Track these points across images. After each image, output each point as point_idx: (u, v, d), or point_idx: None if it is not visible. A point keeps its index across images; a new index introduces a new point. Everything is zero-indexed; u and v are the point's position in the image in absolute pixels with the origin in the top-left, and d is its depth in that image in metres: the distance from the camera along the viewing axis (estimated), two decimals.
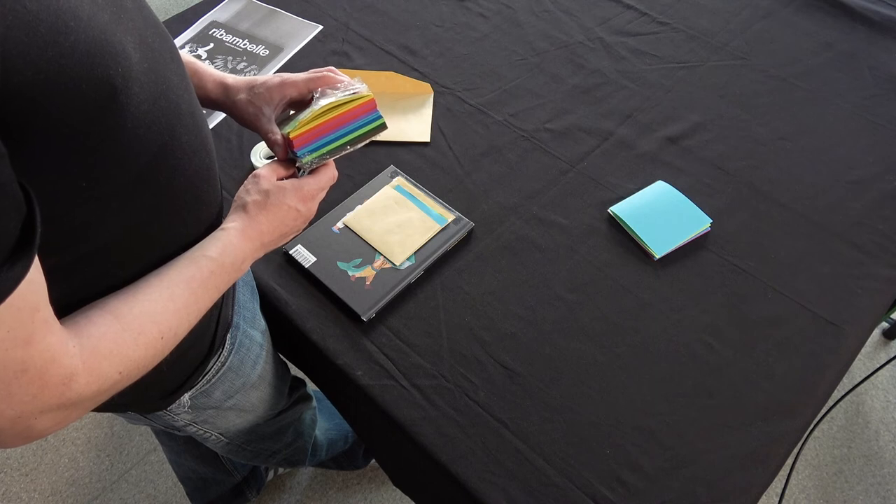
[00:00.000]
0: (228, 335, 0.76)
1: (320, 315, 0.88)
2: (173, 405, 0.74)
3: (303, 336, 0.87)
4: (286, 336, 0.90)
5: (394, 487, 1.09)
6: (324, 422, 1.21)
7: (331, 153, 0.73)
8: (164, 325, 0.56)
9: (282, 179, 0.70)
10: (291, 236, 0.71)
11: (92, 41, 0.44)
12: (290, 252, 0.92)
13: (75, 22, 0.43)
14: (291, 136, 0.70)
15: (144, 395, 0.72)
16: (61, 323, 0.48)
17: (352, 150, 0.75)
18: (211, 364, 0.74)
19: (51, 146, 0.44)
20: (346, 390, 0.87)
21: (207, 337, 0.72)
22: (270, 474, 1.46)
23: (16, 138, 0.40)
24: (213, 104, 0.78)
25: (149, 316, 0.55)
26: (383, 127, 0.76)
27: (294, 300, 0.89)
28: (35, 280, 0.43)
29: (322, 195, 0.72)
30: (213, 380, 0.76)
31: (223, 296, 0.73)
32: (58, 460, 1.56)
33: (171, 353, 0.65)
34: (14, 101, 0.39)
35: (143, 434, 1.58)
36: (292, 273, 0.92)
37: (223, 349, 0.75)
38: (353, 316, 0.87)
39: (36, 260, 0.43)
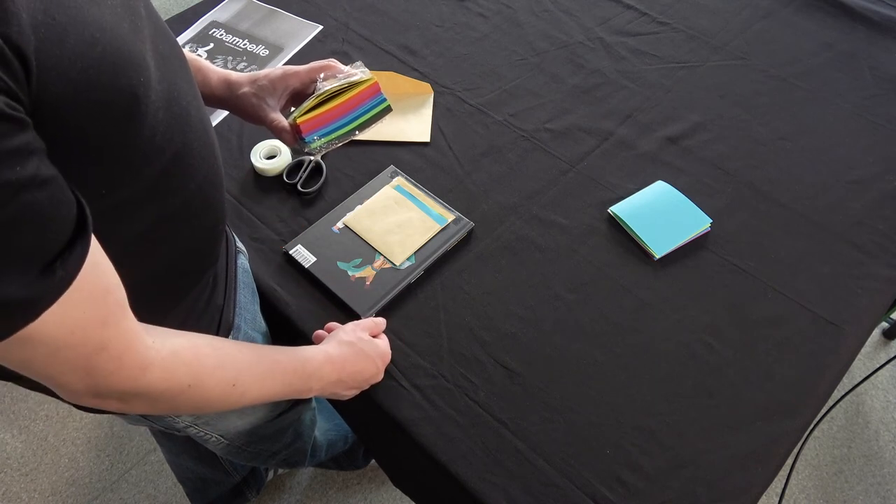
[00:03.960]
0: (230, 337, 0.76)
1: (320, 315, 0.88)
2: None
3: (303, 336, 0.86)
4: (286, 336, 0.90)
5: (394, 487, 1.09)
6: (323, 422, 1.21)
7: (339, 138, 0.73)
8: (240, 376, 0.60)
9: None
10: (354, 390, 0.77)
11: (117, 52, 0.45)
12: (290, 252, 0.92)
13: (101, 33, 0.44)
14: (299, 121, 0.70)
15: None
16: (153, 326, 0.52)
17: (360, 134, 0.75)
18: None
19: (75, 155, 0.45)
20: None
21: None
22: (270, 474, 1.46)
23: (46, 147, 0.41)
24: (217, 101, 0.78)
25: (232, 359, 0.59)
26: (389, 109, 0.77)
27: (294, 300, 0.89)
28: (101, 263, 0.45)
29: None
30: None
31: (224, 297, 0.73)
32: (58, 460, 1.56)
33: None
34: (46, 112, 0.40)
35: (143, 434, 1.58)
36: (292, 273, 0.92)
37: None
38: (353, 316, 0.87)
39: (99, 247, 0.45)
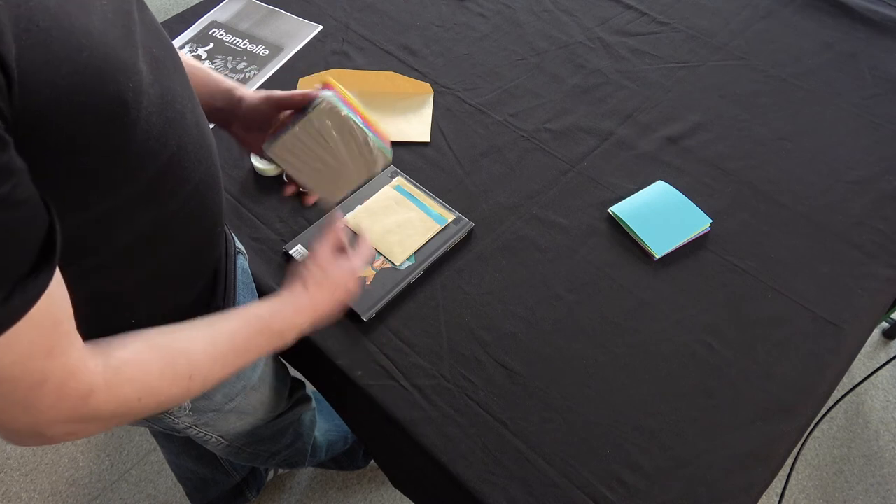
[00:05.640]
0: None
1: None
2: (175, 408, 0.74)
3: (303, 336, 0.86)
4: None
5: (393, 487, 1.09)
6: (323, 423, 1.21)
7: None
8: (196, 366, 0.57)
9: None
10: (330, 318, 0.72)
11: (104, 58, 0.44)
12: (290, 252, 0.92)
13: (87, 39, 0.43)
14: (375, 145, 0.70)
15: None
16: (96, 344, 0.49)
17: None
18: None
19: (62, 161, 0.44)
20: (345, 391, 0.87)
21: None
22: (270, 474, 1.46)
23: (31, 154, 0.40)
24: (217, 112, 0.77)
25: (183, 353, 0.56)
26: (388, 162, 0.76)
27: None
28: (56, 293, 0.43)
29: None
30: None
31: (224, 298, 0.73)
32: (58, 460, 1.56)
33: None
34: (31, 119, 0.40)
35: (143, 434, 1.58)
36: None
37: None
38: (352, 316, 0.87)
39: (58, 274, 0.43)
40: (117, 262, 0.55)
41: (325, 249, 0.73)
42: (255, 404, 0.87)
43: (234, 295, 0.78)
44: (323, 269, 0.71)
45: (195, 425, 0.81)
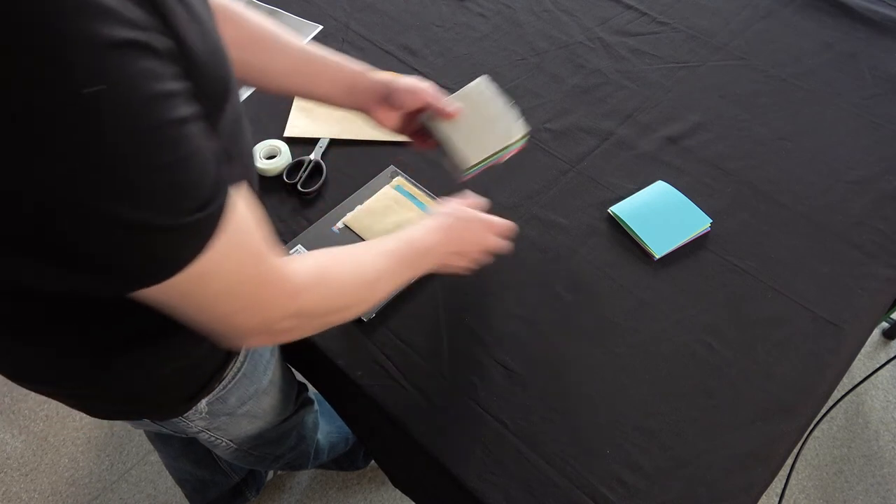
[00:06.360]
0: None
1: None
2: (190, 411, 0.74)
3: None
4: None
5: (393, 487, 1.09)
6: (325, 425, 1.21)
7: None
8: (375, 276, 0.66)
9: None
10: (468, 258, 0.79)
11: (217, 42, 0.48)
12: (290, 252, 0.92)
13: (207, 24, 0.46)
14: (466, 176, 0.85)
15: (166, 400, 0.72)
16: (290, 256, 0.59)
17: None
18: (228, 369, 0.75)
19: None
20: (346, 391, 0.87)
21: None
22: (270, 474, 1.46)
23: None
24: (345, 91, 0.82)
25: (364, 265, 0.65)
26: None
27: None
28: (242, 205, 0.49)
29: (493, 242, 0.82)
30: (230, 386, 0.76)
31: None
32: (58, 460, 1.56)
33: (191, 359, 0.67)
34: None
35: (143, 434, 1.58)
36: None
37: (239, 355, 0.76)
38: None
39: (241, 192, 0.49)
40: None
41: (474, 211, 0.81)
42: (265, 408, 0.88)
43: None
44: (455, 206, 0.79)
45: (207, 429, 0.81)
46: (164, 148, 0.39)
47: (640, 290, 0.90)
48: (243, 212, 0.48)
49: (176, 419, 0.75)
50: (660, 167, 1.04)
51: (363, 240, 0.93)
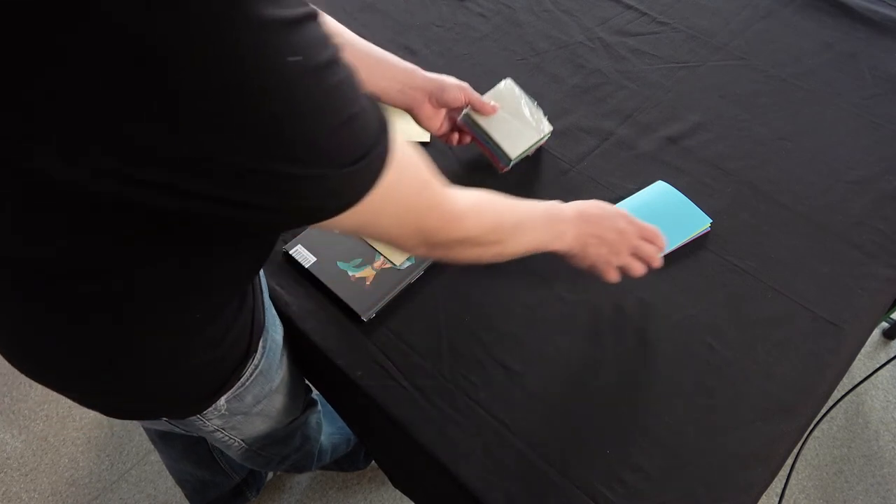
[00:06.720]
0: (260, 340, 0.76)
1: (320, 315, 0.88)
2: (209, 409, 0.75)
3: (303, 336, 0.86)
4: (286, 336, 0.90)
5: (393, 487, 1.09)
6: (326, 426, 1.21)
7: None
8: (516, 221, 0.70)
9: None
10: (604, 242, 0.78)
11: None
12: (290, 252, 0.92)
13: None
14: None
15: (187, 397, 0.72)
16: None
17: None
18: (247, 365, 0.75)
19: None
20: (346, 391, 0.87)
21: (244, 340, 0.73)
22: (270, 475, 1.46)
23: None
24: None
25: (510, 209, 0.69)
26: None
27: (294, 300, 0.89)
28: (402, 138, 0.51)
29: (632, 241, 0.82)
30: (247, 384, 0.77)
31: (254, 298, 0.74)
32: (58, 460, 1.56)
33: (213, 353, 0.68)
34: None
35: (143, 434, 1.58)
36: (292, 273, 0.92)
37: (256, 352, 0.76)
38: (353, 316, 0.87)
39: None
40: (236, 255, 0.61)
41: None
42: (278, 407, 0.88)
43: (262, 295, 0.79)
44: (604, 208, 0.80)
45: (223, 428, 0.81)
46: (343, 105, 0.42)
47: (640, 289, 0.90)
48: (403, 142, 0.51)
49: (194, 417, 0.75)
50: (660, 167, 1.04)
51: (364, 240, 0.93)
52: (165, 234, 0.49)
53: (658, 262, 0.83)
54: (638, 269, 0.81)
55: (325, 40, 0.41)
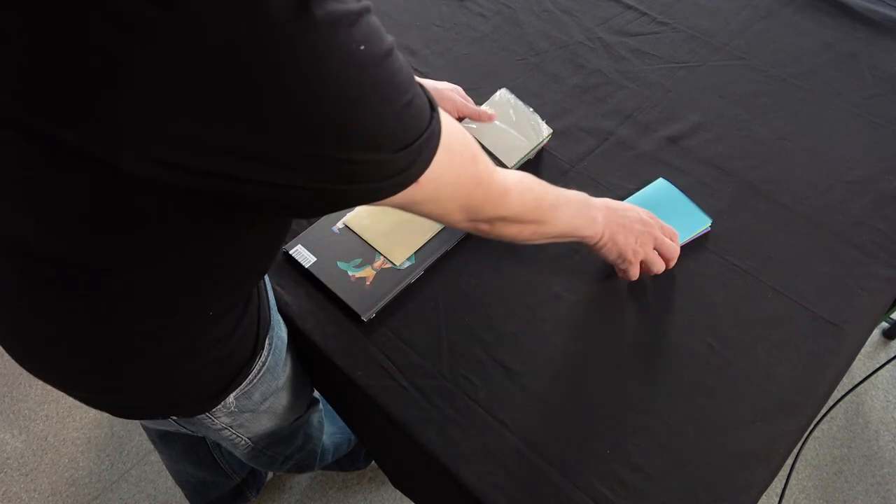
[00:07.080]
0: (266, 338, 0.77)
1: (320, 315, 0.88)
2: (218, 407, 0.75)
3: (303, 336, 0.87)
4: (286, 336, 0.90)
5: (393, 487, 1.09)
6: (328, 425, 1.22)
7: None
8: (554, 203, 0.72)
9: None
10: (633, 233, 0.81)
11: None
12: (290, 252, 0.92)
13: None
14: None
15: (197, 395, 0.73)
16: None
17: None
18: (255, 364, 0.75)
19: None
20: (345, 391, 0.87)
21: (251, 337, 0.73)
22: (269, 474, 1.46)
23: None
24: None
25: (550, 192, 0.71)
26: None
27: (294, 300, 0.89)
28: (448, 117, 0.54)
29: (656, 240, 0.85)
30: (255, 381, 0.77)
31: (259, 297, 0.74)
32: (58, 460, 1.56)
33: (221, 351, 0.68)
34: None
35: (143, 434, 1.58)
36: (292, 273, 0.92)
37: (263, 350, 0.76)
38: (353, 316, 0.87)
39: None
40: (250, 250, 0.61)
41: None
42: (284, 404, 0.88)
43: (268, 294, 0.79)
44: (628, 205, 0.83)
45: (231, 426, 0.81)
46: (404, 89, 0.45)
47: (640, 289, 0.90)
48: (449, 121, 0.53)
49: (202, 416, 0.76)
50: (660, 167, 1.04)
51: (363, 240, 0.93)
52: (196, 224, 0.50)
53: (674, 262, 0.86)
54: (659, 265, 0.84)
55: (382, 30, 0.44)
